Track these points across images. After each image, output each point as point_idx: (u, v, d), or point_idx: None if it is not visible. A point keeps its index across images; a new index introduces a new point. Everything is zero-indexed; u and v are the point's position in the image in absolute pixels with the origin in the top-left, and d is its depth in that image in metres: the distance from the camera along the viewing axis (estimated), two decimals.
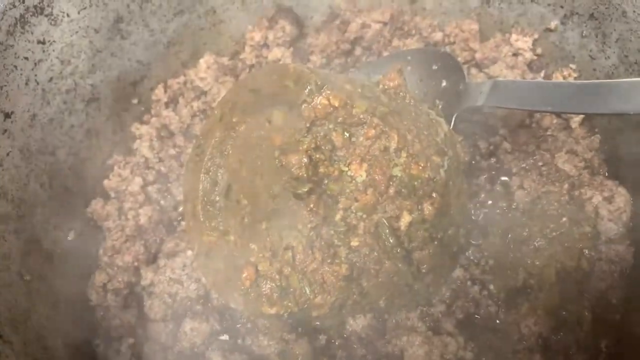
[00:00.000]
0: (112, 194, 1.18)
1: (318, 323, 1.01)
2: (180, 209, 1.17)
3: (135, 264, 1.08)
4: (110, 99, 1.21)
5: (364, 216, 0.94)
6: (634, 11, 1.00)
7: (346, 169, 0.94)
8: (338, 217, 0.94)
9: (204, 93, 1.28)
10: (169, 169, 1.22)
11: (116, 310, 1.05)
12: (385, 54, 1.31)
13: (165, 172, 1.22)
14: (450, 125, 1.05)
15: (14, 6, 0.98)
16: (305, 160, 0.91)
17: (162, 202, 1.18)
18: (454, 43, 1.29)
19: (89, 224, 1.15)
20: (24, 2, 0.99)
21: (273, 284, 0.93)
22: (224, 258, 1.01)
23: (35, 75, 1.04)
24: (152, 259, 1.10)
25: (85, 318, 1.04)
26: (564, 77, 1.17)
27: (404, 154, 0.94)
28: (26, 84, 1.03)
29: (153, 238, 1.11)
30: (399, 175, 0.93)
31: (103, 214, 1.14)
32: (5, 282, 0.87)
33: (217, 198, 1.05)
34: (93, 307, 1.06)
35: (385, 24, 1.30)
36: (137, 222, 1.12)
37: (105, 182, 1.18)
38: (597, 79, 1.11)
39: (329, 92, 0.93)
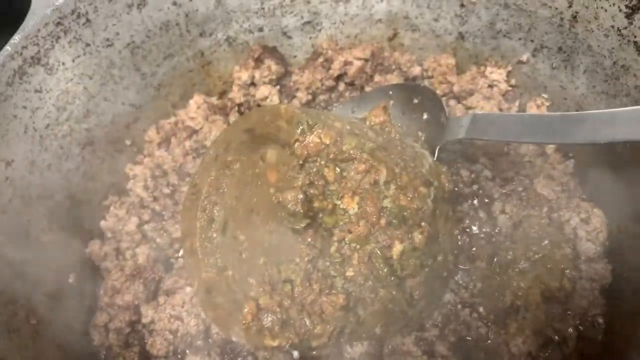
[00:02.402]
0: (109, 234, 1.21)
1: (315, 352, 1.04)
2: (176, 246, 1.21)
3: (136, 302, 1.11)
4: (104, 142, 1.25)
5: (358, 247, 0.98)
6: (599, 45, 1.08)
7: (339, 202, 0.99)
8: (333, 248, 0.99)
9: (195, 132, 1.33)
10: (164, 207, 1.25)
11: (119, 349, 1.07)
12: (367, 89, 1.37)
13: (160, 211, 1.25)
14: (434, 157, 1.11)
15: (13, 58, 1.02)
16: (300, 196, 0.95)
17: (158, 240, 1.21)
18: (432, 77, 1.36)
19: (87, 265, 1.17)
20: (21, 54, 1.03)
21: (274, 317, 0.96)
22: (223, 293, 1.04)
23: (33, 122, 1.08)
24: (151, 297, 1.12)
25: (89, 358, 1.05)
26: (538, 107, 1.24)
27: (392, 187, 0.99)
28: (25, 131, 1.06)
29: (152, 276, 1.13)
30: (389, 206, 0.98)
31: (101, 255, 1.17)
32: (13, 327, 0.89)
33: (214, 235, 1.08)
34: (96, 347, 1.08)
35: (366, 60, 1.37)
36: (136, 261, 1.14)
37: (102, 223, 1.21)
38: (568, 108, 1.19)
39: (320, 130, 0.98)
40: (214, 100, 1.37)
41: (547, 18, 1.16)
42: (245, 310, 0.96)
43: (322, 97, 1.39)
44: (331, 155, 0.98)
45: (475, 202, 1.20)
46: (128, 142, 1.30)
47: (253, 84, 1.39)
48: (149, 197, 1.26)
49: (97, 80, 1.19)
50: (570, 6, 1.10)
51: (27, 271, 1.00)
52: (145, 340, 1.09)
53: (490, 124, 1.03)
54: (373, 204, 0.98)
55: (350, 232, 0.98)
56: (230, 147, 1.08)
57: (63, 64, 1.12)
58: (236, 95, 1.38)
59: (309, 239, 0.97)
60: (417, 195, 1.00)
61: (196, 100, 1.34)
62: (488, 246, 1.12)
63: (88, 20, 1.12)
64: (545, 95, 1.24)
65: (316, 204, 0.98)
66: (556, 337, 1.03)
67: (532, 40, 1.22)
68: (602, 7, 1.04)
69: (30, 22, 1.04)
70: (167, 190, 1.27)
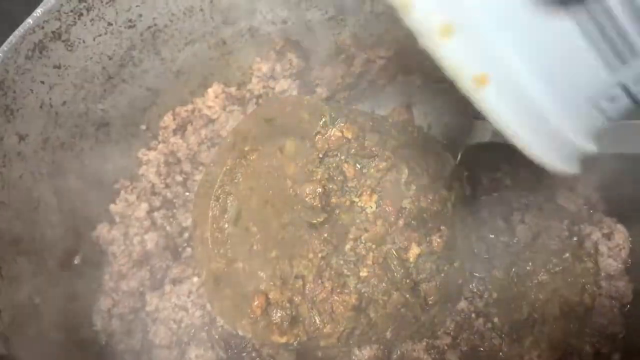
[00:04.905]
0: (118, 219, 1.19)
1: (321, 354, 1.01)
2: (186, 235, 1.18)
3: (141, 289, 1.08)
4: (120, 125, 1.22)
5: (373, 247, 0.96)
6: None
7: (357, 199, 0.97)
8: (348, 247, 0.96)
9: (212, 121, 1.30)
10: (175, 195, 1.23)
11: (121, 336, 1.05)
12: (389, 88, 1.35)
13: (171, 198, 1.23)
14: (456, 161, 1.08)
15: (34, 31, 1.00)
16: (319, 190, 0.93)
17: (167, 228, 1.18)
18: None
19: (94, 248, 1.14)
20: (43, 27, 1.01)
21: (283, 313, 0.93)
22: (232, 285, 1.01)
23: (50, 98, 1.05)
24: (157, 285, 1.10)
25: (90, 343, 1.03)
26: None
27: (413, 187, 0.96)
28: (40, 107, 1.03)
29: (159, 264, 1.11)
30: (409, 207, 0.96)
31: (109, 239, 1.14)
32: (16, 303, 0.87)
33: (226, 225, 1.06)
34: (97, 332, 1.05)
35: (389, 59, 1.34)
36: (144, 247, 1.12)
37: (112, 206, 1.19)
38: None
39: (342, 124, 0.96)
40: (232, 90, 1.35)
41: None
42: (255, 303, 0.93)
43: (342, 94, 1.36)
44: (352, 151, 0.96)
45: (495, 210, 1.17)
46: (143, 127, 1.28)
47: (273, 76, 1.37)
48: (161, 184, 1.23)
49: (116, 61, 1.17)
50: None
51: (33, 248, 0.97)
52: (148, 329, 1.06)
53: None
54: (392, 203, 0.96)
55: (366, 230, 0.96)
56: (249, 136, 1.06)
57: (84, 41, 1.09)
58: (255, 86, 1.35)
59: (325, 234, 0.94)
60: (438, 198, 0.98)
61: (215, 89, 1.32)
62: (506, 255, 1.09)
63: None
64: None
65: (333, 200, 0.96)
66: (572, 353, 1.00)
67: None
68: None
69: None
70: (179, 178, 1.25)
